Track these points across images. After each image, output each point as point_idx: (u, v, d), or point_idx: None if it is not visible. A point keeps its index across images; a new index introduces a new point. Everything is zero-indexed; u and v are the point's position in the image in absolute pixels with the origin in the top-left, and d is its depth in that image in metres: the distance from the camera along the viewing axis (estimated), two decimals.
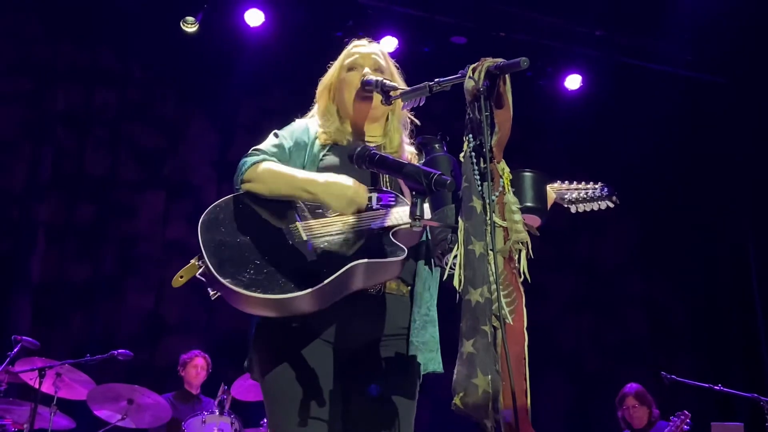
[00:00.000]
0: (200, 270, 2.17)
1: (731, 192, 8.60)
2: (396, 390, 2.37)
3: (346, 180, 2.27)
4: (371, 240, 2.21)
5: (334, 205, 2.25)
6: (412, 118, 2.70)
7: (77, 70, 7.45)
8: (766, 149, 8.13)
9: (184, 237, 7.44)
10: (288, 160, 2.45)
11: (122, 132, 7.52)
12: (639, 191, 8.79)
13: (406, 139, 2.66)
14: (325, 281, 2.06)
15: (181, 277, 2.20)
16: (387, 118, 2.63)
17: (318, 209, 2.32)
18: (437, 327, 2.43)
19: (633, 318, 8.65)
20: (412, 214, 1.93)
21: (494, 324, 1.83)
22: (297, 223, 2.28)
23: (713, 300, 8.66)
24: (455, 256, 1.90)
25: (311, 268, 2.13)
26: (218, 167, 7.71)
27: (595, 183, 2.54)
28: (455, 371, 1.81)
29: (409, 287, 2.43)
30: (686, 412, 5.98)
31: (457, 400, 1.77)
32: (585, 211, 2.56)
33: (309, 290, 2.04)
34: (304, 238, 2.23)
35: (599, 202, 2.53)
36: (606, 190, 2.52)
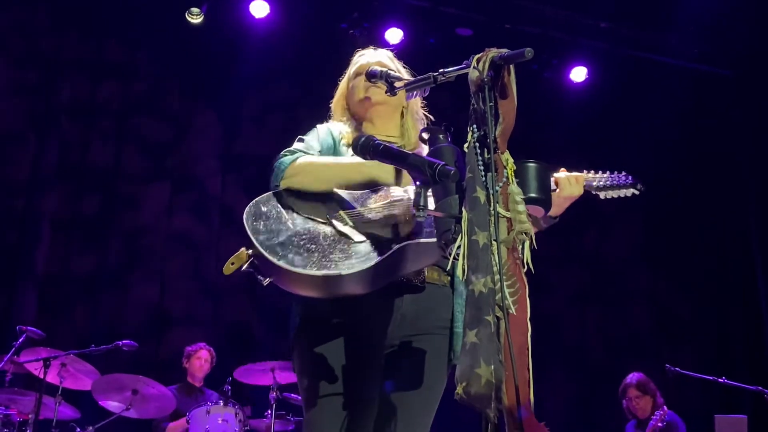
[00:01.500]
0: (250, 259, 2.22)
1: (736, 186, 8.58)
2: (434, 383, 2.39)
3: None
4: (416, 223, 2.23)
5: (387, 178, 2.32)
6: (427, 114, 2.73)
7: (82, 62, 7.47)
8: None
9: (189, 229, 7.47)
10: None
11: (127, 124, 7.54)
12: (644, 184, 8.77)
13: None
14: (378, 259, 2.11)
15: (232, 264, 2.23)
16: (402, 116, 2.67)
17: (357, 200, 2.35)
18: None
19: (637, 311, 8.65)
20: (416, 204, 1.94)
21: (497, 314, 1.83)
22: (341, 212, 2.31)
23: (717, 293, 8.65)
24: (459, 247, 1.90)
25: (363, 250, 2.17)
26: (223, 159, 7.72)
27: (620, 172, 2.57)
28: (458, 361, 1.82)
29: (449, 277, 2.46)
30: (664, 408, 5.99)
31: (460, 390, 1.77)
32: (613, 197, 2.60)
33: (362, 267, 2.09)
34: (352, 224, 2.27)
35: (625, 190, 2.57)
36: (630, 178, 2.55)
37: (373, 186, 2.35)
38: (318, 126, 2.64)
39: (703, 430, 6.22)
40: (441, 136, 2.11)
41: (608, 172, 2.54)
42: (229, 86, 7.68)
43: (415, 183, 2.00)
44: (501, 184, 1.94)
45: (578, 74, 8.15)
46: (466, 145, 1.98)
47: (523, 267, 1.93)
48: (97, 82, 7.48)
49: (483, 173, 1.92)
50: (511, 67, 1.96)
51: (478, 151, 1.94)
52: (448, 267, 2.42)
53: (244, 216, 2.27)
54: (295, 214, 2.33)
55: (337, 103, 2.73)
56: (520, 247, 1.93)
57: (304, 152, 2.46)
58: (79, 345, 5.82)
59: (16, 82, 7.24)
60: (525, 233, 1.93)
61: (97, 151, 7.35)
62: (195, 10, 7.32)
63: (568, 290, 8.53)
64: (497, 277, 1.85)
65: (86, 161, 7.29)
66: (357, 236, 2.23)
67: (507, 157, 1.97)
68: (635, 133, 8.45)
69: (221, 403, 5.76)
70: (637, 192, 2.57)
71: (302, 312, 2.38)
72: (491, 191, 1.89)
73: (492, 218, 1.87)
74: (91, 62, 7.49)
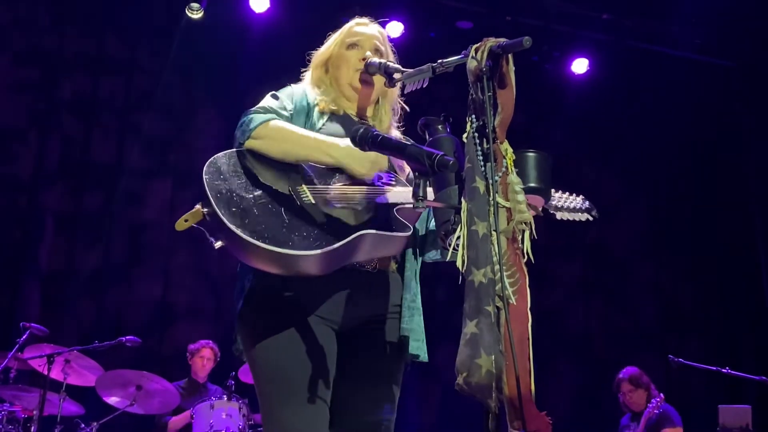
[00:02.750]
0: (205, 216, 2.13)
1: (739, 176, 8.56)
2: (388, 377, 2.37)
3: None
4: (377, 214, 2.21)
5: (356, 168, 2.24)
6: (403, 104, 2.69)
7: (84, 59, 7.46)
8: None
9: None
10: (290, 123, 2.38)
11: (129, 120, 7.54)
12: (647, 175, 8.77)
13: (395, 123, 2.66)
14: (336, 245, 2.05)
15: (186, 221, 2.15)
16: (377, 101, 2.63)
17: (321, 176, 2.29)
18: (422, 317, 2.44)
19: (642, 302, 8.65)
20: (415, 195, 1.92)
21: (497, 304, 1.82)
22: (304, 186, 2.24)
23: (722, 284, 8.65)
24: (458, 237, 1.89)
25: (321, 231, 2.11)
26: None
27: (578, 195, 2.55)
28: (459, 352, 1.81)
29: (397, 264, 2.44)
30: (661, 396, 6.01)
31: (460, 380, 1.77)
32: (567, 220, 2.56)
33: (320, 251, 2.02)
34: (313, 201, 2.20)
35: (580, 214, 2.54)
36: (587, 203, 2.53)
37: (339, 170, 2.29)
38: (293, 86, 2.56)
39: (707, 420, 6.22)
40: (440, 126, 2.11)
41: (567, 194, 2.52)
42: (230, 81, 7.67)
43: (413, 173, 1.99)
44: (500, 174, 1.93)
45: (579, 66, 8.14)
46: (465, 135, 1.97)
47: (523, 257, 1.92)
48: (98, 78, 7.48)
49: (482, 163, 1.91)
50: (510, 56, 1.96)
51: (477, 141, 1.93)
52: (448, 258, 2.41)
53: (204, 170, 2.17)
54: (256, 180, 2.22)
55: (320, 62, 2.62)
56: (520, 237, 1.93)
57: (277, 113, 2.35)
58: (82, 341, 5.83)
59: (17, 79, 7.24)
60: (525, 223, 1.93)
61: (99, 147, 7.35)
62: (195, 5, 7.31)
63: (572, 281, 8.53)
64: (497, 267, 1.84)
65: (88, 157, 7.29)
66: (318, 215, 2.16)
67: (506, 147, 1.97)
68: (637, 125, 8.43)
69: (225, 398, 5.78)
70: (591, 218, 2.54)
71: (253, 279, 2.28)
72: (490, 181, 1.89)
73: (491, 208, 1.87)
74: (92, 58, 7.49)
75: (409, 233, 2.17)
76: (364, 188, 2.28)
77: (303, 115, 2.44)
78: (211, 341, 6.58)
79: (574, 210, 2.48)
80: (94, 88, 7.47)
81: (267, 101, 2.42)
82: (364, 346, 2.36)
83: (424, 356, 2.41)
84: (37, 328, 5.46)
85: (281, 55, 7.69)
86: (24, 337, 5.41)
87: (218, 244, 2.12)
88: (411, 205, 1.98)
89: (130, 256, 7.25)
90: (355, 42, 2.58)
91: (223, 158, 2.25)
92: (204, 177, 2.16)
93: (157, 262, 7.31)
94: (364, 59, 2.51)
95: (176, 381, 6.38)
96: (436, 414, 7.27)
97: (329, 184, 2.27)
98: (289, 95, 2.47)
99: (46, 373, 5.37)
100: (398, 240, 2.19)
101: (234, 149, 2.30)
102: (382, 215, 2.20)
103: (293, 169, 2.28)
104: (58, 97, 7.26)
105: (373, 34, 2.60)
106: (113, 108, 7.51)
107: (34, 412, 5.33)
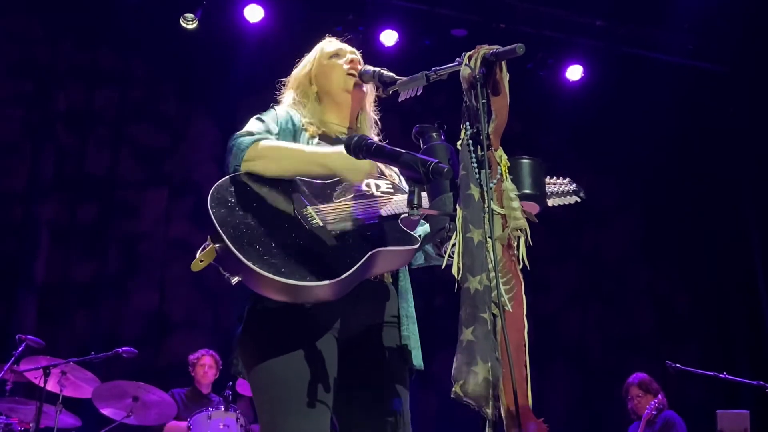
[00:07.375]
0: (217, 252, 2.08)
1: (734, 181, 8.58)
2: (395, 378, 2.37)
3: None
4: (382, 227, 2.21)
5: (349, 176, 2.23)
6: (376, 117, 2.72)
7: (77, 70, 7.46)
8: None
9: (187, 234, 7.45)
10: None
11: (123, 131, 7.53)
12: (642, 181, 8.78)
13: (376, 135, 2.67)
14: (351, 270, 2.06)
15: (201, 261, 2.10)
16: (358, 113, 2.65)
17: (322, 194, 2.28)
18: (416, 325, 2.46)
19: (638, 308, 8.64)
20: (410, 203, 1.92)
21: (493, 311, 1.82)
22: (308, 207, 2.23)
23: (718, 289, 8.65)
24: (453, 245, 1.89)
25: (333, 254, 2.11)
26: (220, 164, 7.67)
27: (564, 178, 2.54)
28: (455, 359, 1.80)
29: (392, 275, 2.46)
30: (659, 396, 6.06)
31: (457, 389, 1.77)
32: (557, 205, 2.56)
33: (336, 279, 2.03)
34: (321, 223, 2.19)
35: (569, 198, 2.54)
36: (574, 185, 2.52)
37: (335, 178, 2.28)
38: (276, 108, 2.55)
39: (705, 425, 6.21)
40: (434, 133, 2.11)
41: (555, 178, 2.51)
42: (225, 91, 7.67)
43: (408, 181, 1.99)
44: (495, 181, 1.93)
45: (574, 73, 8.16)
46: (459, 142, 1.98)
47: (519, 263, 1.92)
48: (92, 89, 7.47)
49: (477, 170, 1.92)
50: (503, 63, 1.96)
51: (472, 148, 1.94)
52: (443, 266, 2.41)
53: (210, 206, 2.11)
54: (260, 206, 2.19)
55: (300, 82, 2.63)
56: (516, 243, 1.93)
57: (263, 135, 2.33)
58: (78, 353, 5.81)
59: (11, 92, 7.23)
60: (520, 230, 1.93)
61: (93, 158, 7.34)
62: (189, 15, 7.31)
63: (568, 288, 8.52)
64: (493, 274, 1.84)
65: (83, 169, 7.28)
66: (328, 238, 2.16)
67: (501, 154, 1.97)
68: (631, 131, 8.45)
69: (222, 408, 5.76)
70: (579, 200, 2.54)
71: (254, 295, 2.22)
72: (485, 188, 1.89)
73: (486, 215, 1.87)
74: (87, 70, 7.49)
75: (418, 245, 2.18)
76: (366, 201, 2.28)
77: (290, 137, 2.43)
78: (210, 349, 6.56)
79: (563, 194, 2.48)
80: (89, 100, 7.46)
81: (252, 125, 2.41)
82: (365, 353, 2.36)
83: (420, 364, 2.43)
84: (33, 340, 5.44)
85: (276, 65, 7.61)
86: (20, 349, 5.38)
87: (235, 280, 2.07)
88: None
89: (126, 267, 7.23)
90: (335, 52, 2.62)
91: (224, 185, 2.21)
92: (211, 210, 2.10)
93: (153, 273, 7.29)
94: (352, 61, 2.56)
95: (178, 388, 6.37)
96: (433, 423, 7.25)
97: (332, 202, 2.27)
98: (273, 118, 2.46)
99: (42, 385, 5.35)
100: (407, 253, 2.20)
101: (230, 175, 2.26)
102: (388, 228, 2.20)
103: (293, 190, 2.26)
104: (53, 108, 7.25)
105: (350, 47, 2.65)
106: (108, 119, 7.50)
107: (31, 425, 5.31)
